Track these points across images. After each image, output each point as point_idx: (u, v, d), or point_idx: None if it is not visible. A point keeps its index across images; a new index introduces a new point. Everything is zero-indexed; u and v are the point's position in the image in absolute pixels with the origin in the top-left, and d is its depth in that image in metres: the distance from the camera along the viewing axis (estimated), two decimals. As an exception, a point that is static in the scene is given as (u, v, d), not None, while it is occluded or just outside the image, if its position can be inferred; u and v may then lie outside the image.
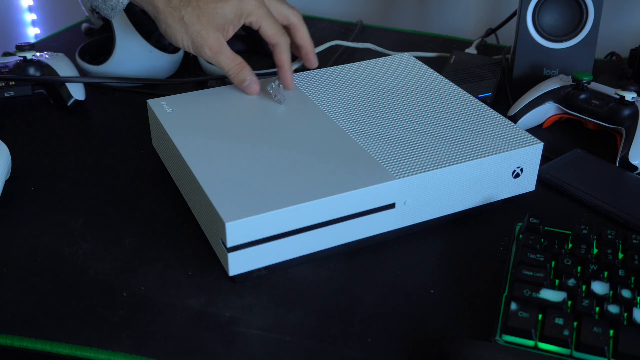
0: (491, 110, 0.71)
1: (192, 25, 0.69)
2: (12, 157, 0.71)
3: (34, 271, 0.60)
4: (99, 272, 0.60)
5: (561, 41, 0.87)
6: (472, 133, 0.67)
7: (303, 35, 0.77)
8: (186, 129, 0.67)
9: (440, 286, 0.59)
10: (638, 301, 0.54)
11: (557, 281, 0.56)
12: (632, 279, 0.56)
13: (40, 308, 0.57)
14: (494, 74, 0.91)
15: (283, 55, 0.74)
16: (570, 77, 0.82)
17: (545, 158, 0.75)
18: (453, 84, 0.76)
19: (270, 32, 0.73)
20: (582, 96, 0.79)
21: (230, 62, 0.72)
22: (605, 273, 0.57)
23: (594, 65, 0.89)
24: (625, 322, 0.52)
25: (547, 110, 0.82)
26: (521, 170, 0.66)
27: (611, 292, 0.55)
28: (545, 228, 0.62)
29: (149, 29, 0.93)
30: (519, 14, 0.87)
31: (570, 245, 0.60)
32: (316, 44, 1.04)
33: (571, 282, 0.55)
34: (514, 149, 0.64)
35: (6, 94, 0.82)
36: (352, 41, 1.04)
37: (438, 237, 0.65)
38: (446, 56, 0.97)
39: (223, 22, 0.71)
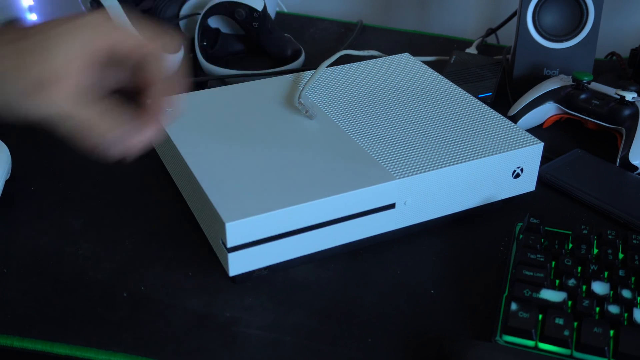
0: (491, 110, 0.71)
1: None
2: (12, 157, 0.71)
3: (34, 271, 0.60)
4: (99, 272, 0.60)
5: (561, 41, 0.87)
6: (472, 133, 0.67)
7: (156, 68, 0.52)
8: (186, 129, 0.67)
9: (440, 286, 0.59)
10: (638, 301, 0.54)
11: (557, 281, 0.56)
12: (633, 279, 0.56)
13: (40, 308, 0.57)
14: (494, 74, 0.91)
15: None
16: (570, 77, 0.82)
17: (545, 158, 0.75)
18: (453, 84, 0.76)
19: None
20: (583, 96, 0.79)
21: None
22: (606, 273, 0.57)
23: (594, 65, 0.88)
24: (625, 322, 0.52)
25: (547, 110, 0.82)
26: (521, 170, 0.66)
27: (611, 292, 0.55)
28: (546, 228, 0.62)
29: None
30: (519, 14, 0.87)
31: (570, 246, 0.60)
32: (317, 44, 1.05)
33: (571, 282, 0.55)
34: (514, 149, 0.64)
35: (6, 94, 0.82)
36: (352, 41, 1.05)
37: (438, 237, 0.65)
38: (445, 59, 0.97)
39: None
